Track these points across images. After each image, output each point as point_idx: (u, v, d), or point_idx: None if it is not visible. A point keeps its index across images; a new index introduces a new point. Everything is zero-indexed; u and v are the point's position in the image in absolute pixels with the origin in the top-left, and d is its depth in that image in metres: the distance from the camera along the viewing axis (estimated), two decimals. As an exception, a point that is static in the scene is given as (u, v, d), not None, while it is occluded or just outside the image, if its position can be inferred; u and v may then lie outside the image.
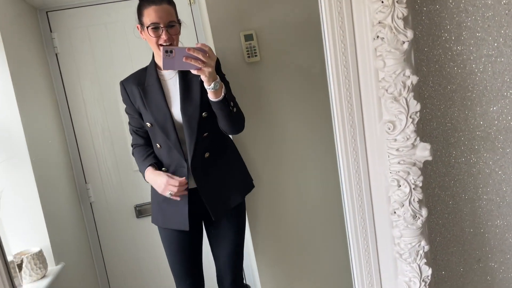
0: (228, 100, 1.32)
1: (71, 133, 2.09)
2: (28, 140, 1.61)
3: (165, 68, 1.17)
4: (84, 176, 2.11)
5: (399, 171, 0.86)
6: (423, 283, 0.91)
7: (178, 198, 1.42)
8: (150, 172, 1.43)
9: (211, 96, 1.29)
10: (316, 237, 1.95)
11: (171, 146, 1.41)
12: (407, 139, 0.85)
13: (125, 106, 1.49)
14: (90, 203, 2.13)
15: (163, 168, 1.44)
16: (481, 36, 0.98)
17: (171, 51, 1.13)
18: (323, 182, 1.85)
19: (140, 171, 1.50)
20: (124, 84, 1.46)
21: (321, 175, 1.84)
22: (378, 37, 0.84)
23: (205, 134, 1.41)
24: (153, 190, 1.51)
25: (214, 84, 1.25)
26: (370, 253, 0.94)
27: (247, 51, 1.70)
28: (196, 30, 2.09)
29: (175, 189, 1.39)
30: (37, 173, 1.63)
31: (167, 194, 1.41)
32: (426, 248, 0.90)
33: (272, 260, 1.94)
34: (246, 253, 1.70)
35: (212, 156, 1.47)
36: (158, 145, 1.44)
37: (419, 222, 0.89)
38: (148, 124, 1.42)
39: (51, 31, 2.02)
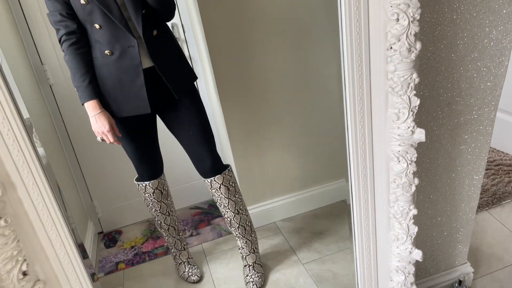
0: None
1: (20, 15, 1.88)
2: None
3: None
4: (39, 58, 1.96)
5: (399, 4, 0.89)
6: (411, 113, 1.00)
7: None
8: (93, 107, 1.40)
9: None
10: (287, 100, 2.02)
11: (115, 24, 1.32)
12: (408, 127, 1.02)
13: None
14: (50, 86, 2.01)
15: (106, 51, 1.37)
16: None
17: None
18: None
19: (76, 89, 1.41)
20: None
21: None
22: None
23: (144, 11, 1.34)
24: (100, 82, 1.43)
25: None
26: (364, 90, 1.00)
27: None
28: None
29: (107, 141, 1.44)
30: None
31: (98, 137, 1.44)
32: (417, 80, 0.97)
33: (244, 134, 2.01)
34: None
35: (160, 34, 1.44)
36: (97, 26, 1.33)
37: (413, 56, 0.94)
38: (83, 1, 1.29)
39: None
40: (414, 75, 0.97)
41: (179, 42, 2.14)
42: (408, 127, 1.01)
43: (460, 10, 1.12)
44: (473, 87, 1.26)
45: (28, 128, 0.89)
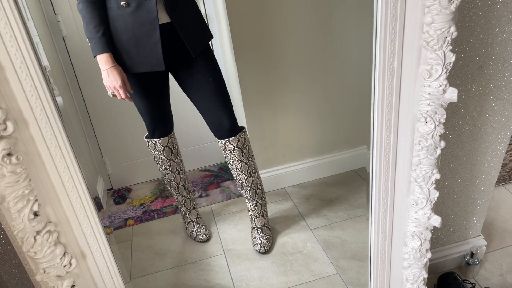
0: None
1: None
2: None
3: None
4: (53, 7, 1.90)
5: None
6: (444, 70, 0.94)
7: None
8: (106, 61, 1.35)
9: None
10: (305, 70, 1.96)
11: None
12: (440, 85, 0.94)
13: None
14: (63, 37, 1.96)
15: (122, 2, 1.31)
16: None
17: None
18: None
19: (89, 40, 1.35)
20: None
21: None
22: None
23: None
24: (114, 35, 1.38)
25: None
26: (396, 43, 0.94)
27: None
28: None
29: (118, 96, 1.40)
30: None
31: (109, 92, 1.40)
32: (455, 34, 0.91)
33: (258, 97, 1.96)
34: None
35: None
36: None
37: (453, 7, 0.88)
38: None
39: None
40: (452, 29, 0.90)
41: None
42: (440, 85, 0.95)
43: (503, -36, 1.05)
44: (507, 50, 1.19)
45: (43, 69, 0.85)
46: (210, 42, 1.57)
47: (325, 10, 1.85)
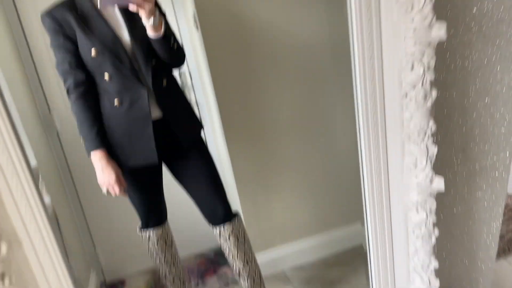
0: (169, 36, 1.26)
1: (28, 59, 1.91)
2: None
3: (102, 4, 1.08)
4: (47, 105, 1.97)
5: (414, 53, 0.89)
6: (429, 161, 0.97)
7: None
8: (100, 157, 1.35)
9: (150, 33, 1.23)
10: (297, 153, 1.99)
11: (125, 75, 1.31)
12: (425, 18, 0.86)
13: (52, 40, 1.32)
14: (57, 132, 2.01)
15: (115, 102, 1.37)
16: None
17: None
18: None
19: (82, 139, 1.38)
20: (52, 12, 1.28)
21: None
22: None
23: (154, 61, 1.34)
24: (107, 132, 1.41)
25: (154, 20, 1.18)
26: (379, 138, 0.98)
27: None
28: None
29: (113, 193, 1.39)
30: None
31: (103, 190, 1.39)
32: (433, 128, 0.95)
33: (251, 178, 1.98)
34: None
35: (169, 84, 1.43)
36: (106, 76, 1.32)
37: (429, 103, 0.93)
38: (93, 51, 1.28)
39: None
40: (431, 123, 0.95)
41: (186, 89, 2.17)
42: (427, 176, 0.98)
43: (471, 57, 1.13)
44: (487, 133, 1.24)
45: (35, 179, 0.87)
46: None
47: (315, 90, 1.93)
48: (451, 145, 1.22)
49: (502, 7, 1.08)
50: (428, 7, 0.84)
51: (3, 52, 1.72)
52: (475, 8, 1.04)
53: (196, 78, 2.13)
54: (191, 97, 2.16)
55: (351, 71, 0.96)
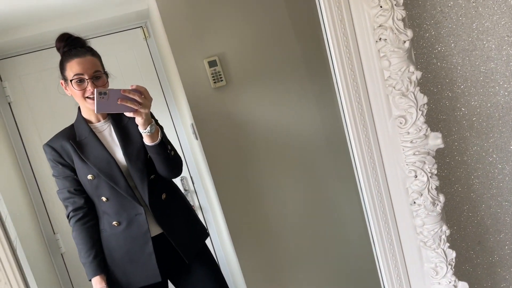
0: (165, 143, 1.31)
1: (33, 183, 1.94)
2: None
3: (99, 111, 1.10)
4: (52, 227, 1.96)
5: (415, 162, 0.91)
6: (449, 267, 0.95)
7: None
8: (99, 283, 1.33)
9: (147, 141, 1.26)
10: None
11: (122, 195, 1.32)
12: (419, 130, 0.91)
13: (52, 169, 1.35)
14: (61, 254, 1.97)
15: (114, 223, 1.37)
16: (457, 32, 1.08)
17: (105, 93, 1.08)
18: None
19: (83, 266, 1.36)
20: (50, 144, 1.34)
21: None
22: (380, 39, 0.89)
23: (152, 176, 1.36)
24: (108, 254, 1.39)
25: (150, 128, 1.22)
26: (395, 246, 0.97)
27: (213, 77, 1.71)
28: (154, 63, 2.07)
29: None
30: None
31: None
32: (447, 232, 0.94)
33: (261, 278, 1.91)
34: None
35: (169, 197, 1.42)
36: (104, 199, 1.34)
37: (438, 208, 0.93)
38: (90, 177, 1.31)
39: (1, 80, 1.90)
40: (444, 227, 0.94)
41: (189, 194, 2.17)
42: (450, 282, 0.95)
43: (469, 152, 1.15)
44: (499, 222, 1.22)
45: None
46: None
47: (320, 185, 1.93)
48: (466, 238, 1.20)
49: (489, 104, 1.13)
50: (421, 120, 0.88)
51: (8, 179, 1.75)
52: (463, 108, 1.09)
53: (198, 182, 2.15)
54: (194, 202, 2.16)
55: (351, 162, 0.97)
